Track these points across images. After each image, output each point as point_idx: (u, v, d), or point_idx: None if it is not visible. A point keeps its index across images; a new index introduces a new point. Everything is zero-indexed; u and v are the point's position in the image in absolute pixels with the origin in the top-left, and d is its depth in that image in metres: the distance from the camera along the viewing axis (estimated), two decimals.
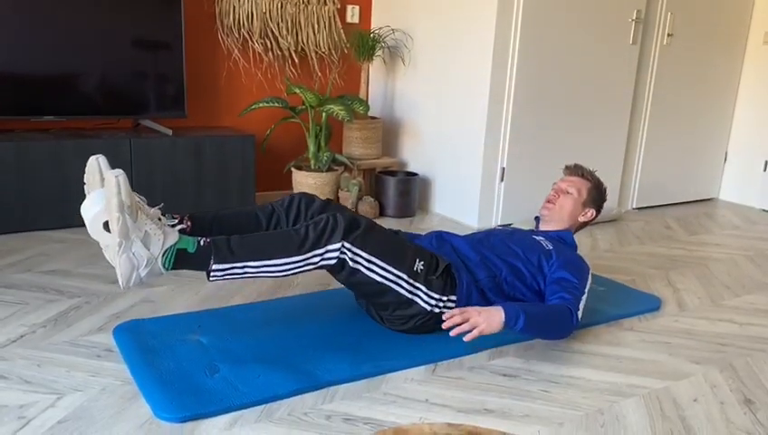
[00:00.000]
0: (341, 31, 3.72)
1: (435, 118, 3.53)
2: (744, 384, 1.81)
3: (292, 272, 1.75)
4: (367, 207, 3.40)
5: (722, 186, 4.35)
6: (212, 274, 1.69)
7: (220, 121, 3.58)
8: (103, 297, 2.18)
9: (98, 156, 1.67)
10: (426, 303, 1.88)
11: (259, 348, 1.83)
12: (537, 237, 2.13)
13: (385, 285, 1.83)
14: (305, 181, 3.36)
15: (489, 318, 1.71)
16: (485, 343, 1.93)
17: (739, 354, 2.00)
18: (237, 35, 3.47)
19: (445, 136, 3.47)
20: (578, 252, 2.18)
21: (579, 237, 2.59)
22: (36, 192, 2.82)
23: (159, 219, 1.70)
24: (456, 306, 1.91)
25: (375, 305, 1.97)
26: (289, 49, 3.59)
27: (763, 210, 4.08)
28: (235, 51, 3.52)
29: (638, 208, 3.96)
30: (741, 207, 4.14)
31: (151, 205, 1.73)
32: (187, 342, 1.85)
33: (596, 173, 2.34)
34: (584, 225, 2.32)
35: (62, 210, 2.88)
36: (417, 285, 1.86)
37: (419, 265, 1.86)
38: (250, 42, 3.51)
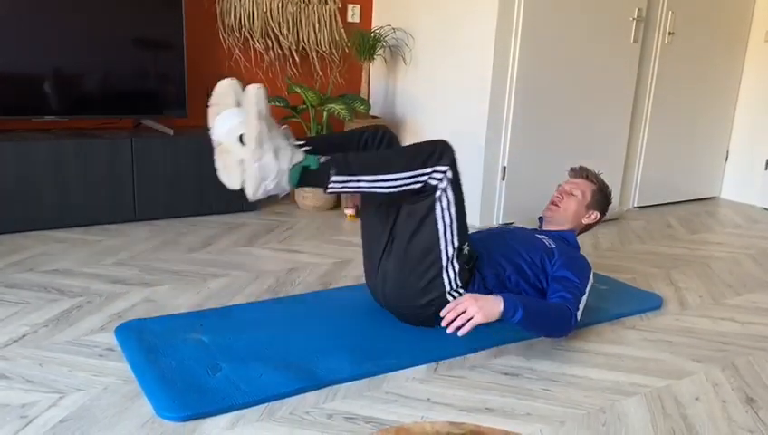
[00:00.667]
0: (342, 30, 3.72)
1: (436, 117, 3.53)
2: (746, 383, 1.81)
3: (400, 187, 1.82)
4: None
5: (723, 184, 4.35)
6: (330, 185, 1.78)
7: None
8: (105, 297, 2.18)
9: (231, 80, 1.77)
10: (449, 283, 1.91)
11: (261, 347, 1.83)
12: (540, 236, 2.13)
13: (439, 240, 1.87)
14: None
15: (485, 307, 1.73)
16: (487, 342, 1.93)
17: (741, 353, 2.00)
18: (238, 35, 3.47)
19: (446, 135, 3.45)
20: (580, 251, 2.18)
21: (580, 236, 2.58)
22: (36, 192, 2.82)
23: (287, 138, 1.78)
24: None
25: (411, 258, 1.90)
26: (290, 48, 3.59)
27: (765, 209, 4.08)
28: (236, 50, 3.52)
29: (640, 207, 3.96)
30: (742, 206, 4.14)
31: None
32: (188, 341, 1.85)
33: (601, 175, 2.33)
34: (588, 227, 2.31)
35: (63, 210, 2.88)
36: (455, 263, 1.90)
37: (467, 248, 1.92)
38: (251, 41, 3.51)
